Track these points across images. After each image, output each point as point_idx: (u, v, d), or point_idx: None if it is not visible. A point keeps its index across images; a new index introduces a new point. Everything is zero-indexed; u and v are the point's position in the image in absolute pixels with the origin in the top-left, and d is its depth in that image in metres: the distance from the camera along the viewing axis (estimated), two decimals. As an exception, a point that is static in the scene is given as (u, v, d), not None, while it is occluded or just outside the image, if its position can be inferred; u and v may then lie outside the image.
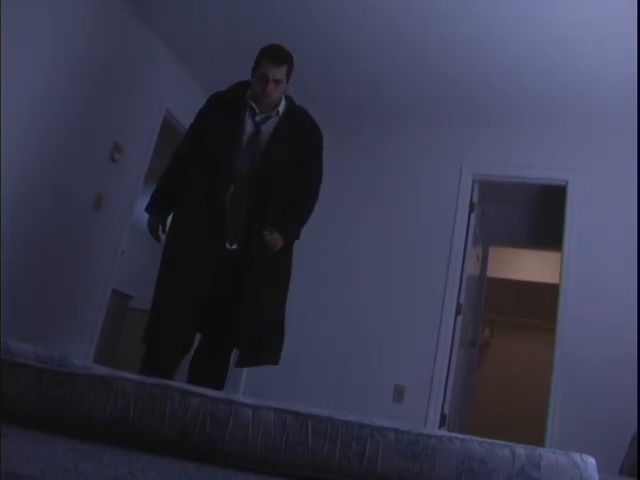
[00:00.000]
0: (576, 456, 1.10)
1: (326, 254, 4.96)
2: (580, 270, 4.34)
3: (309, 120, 3.07)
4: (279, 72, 2.86)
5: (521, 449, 1.02)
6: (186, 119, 4.87)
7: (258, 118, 2.93)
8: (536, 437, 4.03)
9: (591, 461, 1.13)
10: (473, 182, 4.88)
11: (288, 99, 3.04)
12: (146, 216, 3.10)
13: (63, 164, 3.75)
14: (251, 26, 4.08)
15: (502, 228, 6.19)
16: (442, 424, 4.41)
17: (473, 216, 4.86)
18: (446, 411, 4.48)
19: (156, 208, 3.04)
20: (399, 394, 4.45)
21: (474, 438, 1.01)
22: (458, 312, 4.66)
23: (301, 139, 3.00)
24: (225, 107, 2.98)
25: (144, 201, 3.16)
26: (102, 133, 4.04)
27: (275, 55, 2.88)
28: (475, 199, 4.89)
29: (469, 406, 5.77)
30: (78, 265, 3.96)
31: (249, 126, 2.93)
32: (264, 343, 2.85)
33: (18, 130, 3.36)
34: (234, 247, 2.87)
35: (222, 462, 1.04)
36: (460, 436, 1.00)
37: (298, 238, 3.07)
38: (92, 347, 4.10)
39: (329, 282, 4.89)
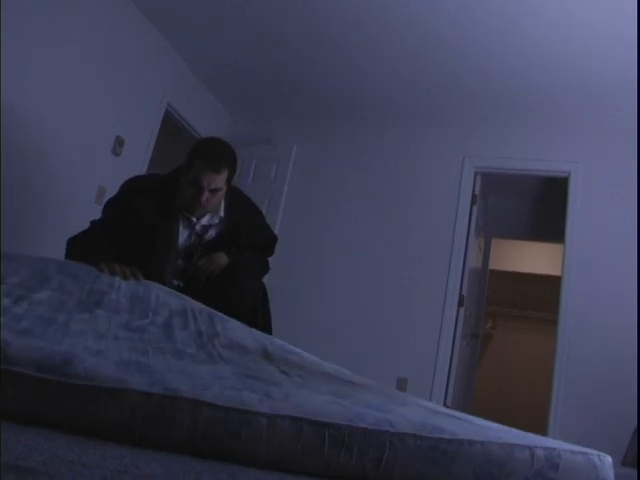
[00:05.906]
0: (594, 456, 1.09)
1: (328, 246, 4.95)
2: (582, 262, 4.32)
3: (249, 210, 2.61)
4: (218, 180, 2.21)
5: (541, 450, 1.01)
6: (187, 113, 4.90)
7: (198, 228, 2.39)
8: (538, 428, 4.03)
9: (608, 460, 1.13)
10: (475, 174, 4.86)
11: (227, 195, 2.40)
12: None
13: (66, 158, 3.73)
14: (253, 22, 4.05)
15: (504, 220, 6.17)
16: (445, 416, 4.41)
17: (475, 208, 4.84)
18: (448, 403, 4.48)
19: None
20: (402, 386, 4.45)
21: (495, 441, 1.00)
22: (460, 304, 4.65)
23: (246, 227, 2.53)
24: (151, 207, 2.32)
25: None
26: (104, 127, 4.03)
27: (213, 158, 2.20)
28: (477, 191, 4.88)
29: (471, 398, 5.78)
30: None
31: (186, 235, 2.39)
32: None
33: (20, 124, 3.34)
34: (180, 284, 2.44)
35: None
36: (481, 439, 0.99)
37: (261, 275, 2.54)
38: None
39: (331, 275, 4.88)
